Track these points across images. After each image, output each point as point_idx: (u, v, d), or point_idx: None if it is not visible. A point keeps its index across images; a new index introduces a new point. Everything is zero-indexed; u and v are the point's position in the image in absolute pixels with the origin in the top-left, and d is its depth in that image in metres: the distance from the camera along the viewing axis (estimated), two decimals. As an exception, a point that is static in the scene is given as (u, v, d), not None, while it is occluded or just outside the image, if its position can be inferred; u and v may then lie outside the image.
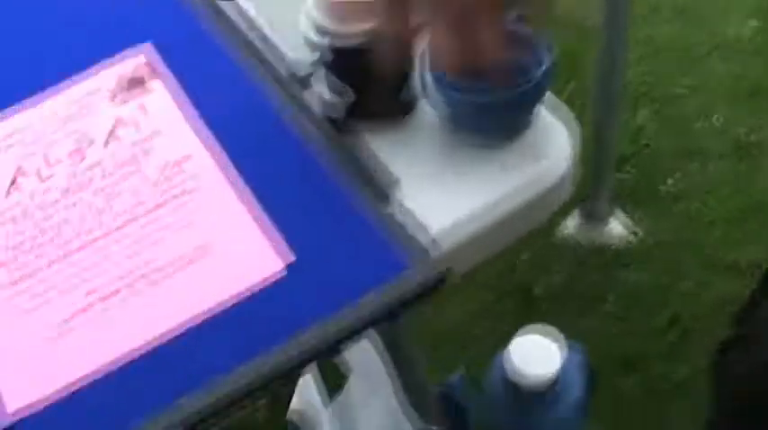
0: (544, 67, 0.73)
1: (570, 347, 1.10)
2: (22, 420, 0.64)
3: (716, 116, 1.74)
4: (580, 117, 0.81)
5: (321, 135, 0.76)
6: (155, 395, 0.64)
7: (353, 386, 1.22)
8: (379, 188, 0.72)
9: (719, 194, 1.63)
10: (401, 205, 0.72)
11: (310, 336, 0.64)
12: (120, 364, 0.66)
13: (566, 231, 1.59)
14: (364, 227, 0.70)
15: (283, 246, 0.69)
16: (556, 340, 1.10)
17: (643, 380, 1.41)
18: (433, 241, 0.70)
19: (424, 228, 0.70)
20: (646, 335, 1.45)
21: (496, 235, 0.75)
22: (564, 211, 1.58)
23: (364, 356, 1.19)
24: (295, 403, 1.23)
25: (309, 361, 0.65)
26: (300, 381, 1.22)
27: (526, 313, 1.44)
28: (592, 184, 1.52)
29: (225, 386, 0.63)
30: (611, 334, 1.44)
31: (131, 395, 0.65)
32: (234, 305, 0.67)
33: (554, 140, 0.79)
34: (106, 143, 0.79)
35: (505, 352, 1.08)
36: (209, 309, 0.67)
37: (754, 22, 1.86)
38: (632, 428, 1.24)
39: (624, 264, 1.54)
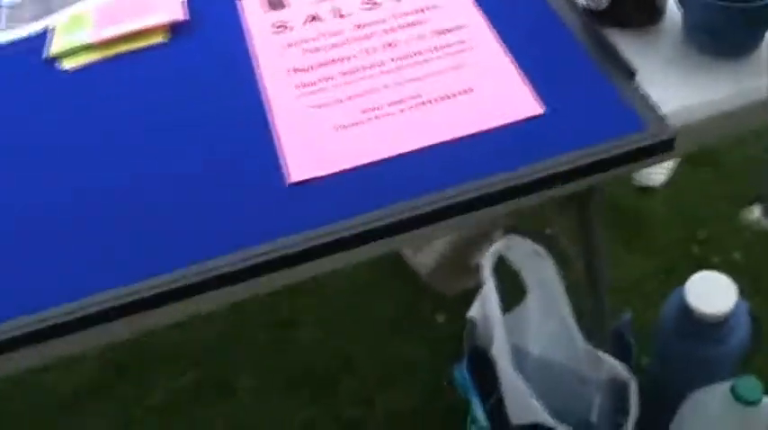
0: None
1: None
2: (299, 188, 0.79)
3: None
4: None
5: (579, 21, 0.90)
6: (413, 187, 0.77)
7: (531, 302, 1.33)
8: (625, 66, 0.84)
9: None
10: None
11: (556, 162, 0.77)
12: (385, 161, 0.80)
13: (750, 217, 1.65)
14: (610, 93, 0.82)
15: (540, 97, 0.83)
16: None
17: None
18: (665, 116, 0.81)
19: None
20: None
21: (716, 126, 0.86)
22: (750, 199, 1.64)
23: (545, 279, 1.31)
24: (475, 308, 1.35)
25: (556, 181, 0.78)
26: (482, 292, 1.35)
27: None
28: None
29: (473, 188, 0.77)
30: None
31: (390, 184, 0.78)
32: (490, 133, 0.81)
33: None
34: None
35: (686, 285, 1.17)
36: (469, 133, 0.81)
37: None
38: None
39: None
